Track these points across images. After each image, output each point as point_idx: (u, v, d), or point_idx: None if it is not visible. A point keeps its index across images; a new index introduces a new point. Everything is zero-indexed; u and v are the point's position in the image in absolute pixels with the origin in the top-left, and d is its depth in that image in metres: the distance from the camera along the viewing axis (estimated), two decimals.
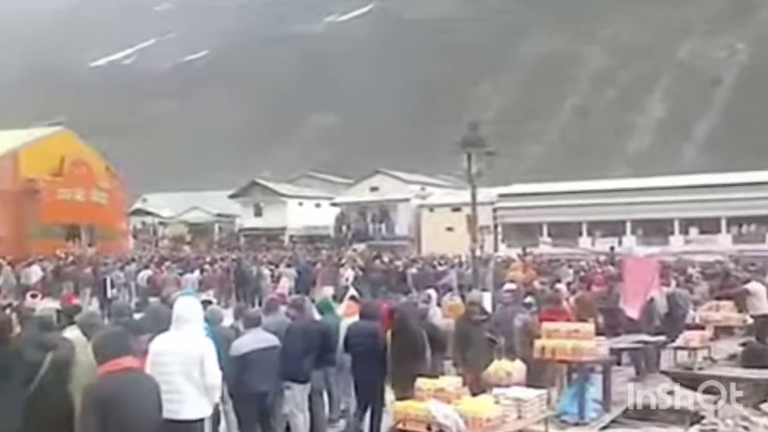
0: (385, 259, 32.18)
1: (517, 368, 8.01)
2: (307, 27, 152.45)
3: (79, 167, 46.33)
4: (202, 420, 6.08)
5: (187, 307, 6.25)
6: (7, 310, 9.57)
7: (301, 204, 68.68)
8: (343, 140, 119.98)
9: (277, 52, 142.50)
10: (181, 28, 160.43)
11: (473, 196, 11.04)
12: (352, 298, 9.87)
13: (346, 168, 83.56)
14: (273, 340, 7.76)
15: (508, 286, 12.06)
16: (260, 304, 19.34)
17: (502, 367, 8.03)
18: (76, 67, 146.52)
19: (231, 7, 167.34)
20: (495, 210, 53.26)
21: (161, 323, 7.08)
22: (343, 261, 30.51)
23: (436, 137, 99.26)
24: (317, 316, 9.10)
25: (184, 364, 5.92)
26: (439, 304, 12.31)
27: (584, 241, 51.49)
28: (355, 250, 47.60)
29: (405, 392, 7.06)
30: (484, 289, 10.57)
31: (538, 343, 8.81)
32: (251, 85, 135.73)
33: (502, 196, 53.83)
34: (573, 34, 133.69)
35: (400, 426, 6.43)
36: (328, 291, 12.98)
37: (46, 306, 8.72)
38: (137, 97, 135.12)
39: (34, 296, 12.47)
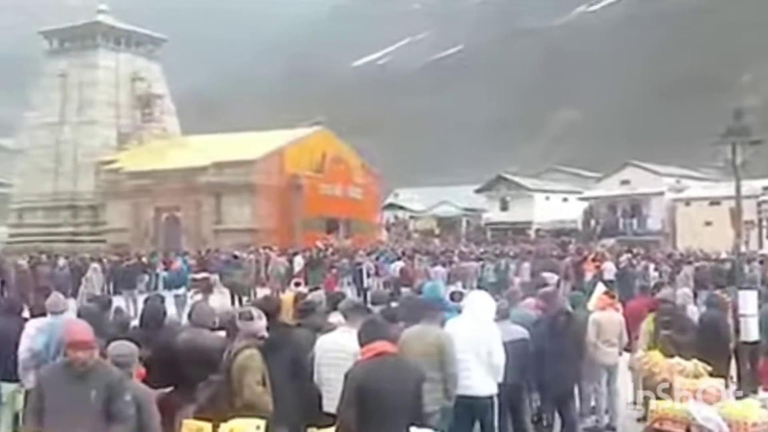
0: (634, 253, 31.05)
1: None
2: (557, 19, 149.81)
3: (338, 164, 48.87)
4: (491, 397, 6.73)
5: (478, 298, 7.06)
6: (275, 294, 10.54)
7: (547, 198, 67.88)
8: (591, 133, 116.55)
9: (525, 47, 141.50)
10: (433, 27, 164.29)
11: (737, 188, 10.29)
12: (606, 292, 9.64)
13: (594, 161, 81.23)
14: (522, 333, 7.77)
15: None
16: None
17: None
18: (335, 69, 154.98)
19: (480, 3, 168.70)
20: (760, 204, 49.30)
21: (414, 312, 7.44)
22: (592, 256, 29.76)
23: (691, 128, 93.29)
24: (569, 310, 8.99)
25: (475, 345, 6.60)
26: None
27: None
28: (603, 245, 46.20)
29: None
30: (749, 288, 9.83)
31: None
32: (499, 81, 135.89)
33: None
34: None
35: (656, 426, 6.23)
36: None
37: (316, 293, 9.39)
38: (391, 95, 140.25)
39: (297, 284, 13.43)
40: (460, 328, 6.77)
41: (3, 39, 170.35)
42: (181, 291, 19.21)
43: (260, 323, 6.09)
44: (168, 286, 21.00)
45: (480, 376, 6.62)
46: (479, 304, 6.94)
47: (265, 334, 6.14)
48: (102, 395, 4.95)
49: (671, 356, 7.07)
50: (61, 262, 27.55)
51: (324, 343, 6.29)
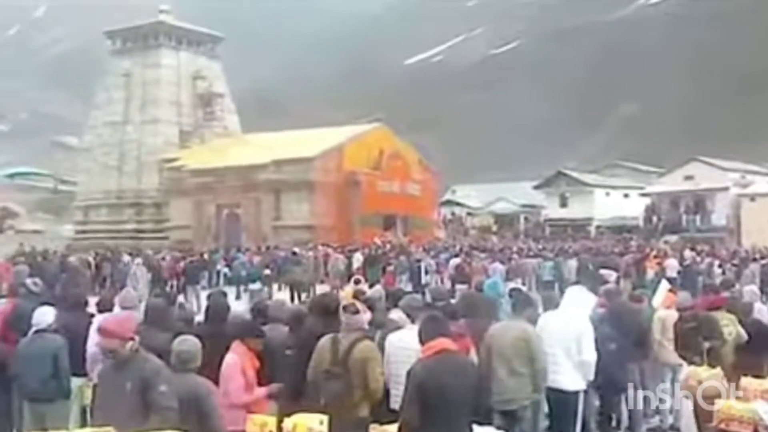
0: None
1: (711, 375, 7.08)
2: (615, 13, 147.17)
3: (396, 161, 48.81)
4: (577, 392, 6.77)
5: (574, 293, 7.20)
6: (335, 291, 10.62)
7: (608, 194, 66.89)
8: (652, 128, 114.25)
9: (583, 41, 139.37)
10: (489, 22, 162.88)
11: None
12: (670, 289, 9.47)
13: (655, 157, 79.55)
14: None
15: None
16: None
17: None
18: (392, 65, 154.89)
19: None
20: None
21: (473, 308, 7.44)
22: (654, 253, 29.25)
23: (756, 123, 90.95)
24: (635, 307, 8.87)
25: (563, 340, 6.68)
26: None
27: None
28: (666, 242, 45.36)
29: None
30: None
31: None
32: (556, 76, 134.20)
33: None
34: None
35: (722, 426, 6.12)
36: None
37: (375, 289, 9.43)
38: (447, 92, 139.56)
39: (357, 281, 13.47)
40: (551, 322, 6.89)
41: (68, 39, 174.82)
42: (257, 286, 19.89)
43: (365, 316, 6.18)
44: (241, 281, 21.73)
45: (568, 370, 6.71)
46: (574, 299, 7.04)
47: (366, 326, 6.22)
48: (137, 386, 5.05)
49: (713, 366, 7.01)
50: (125, 258, 28.21)
51: (393, 341, 6.34)
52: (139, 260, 26.10)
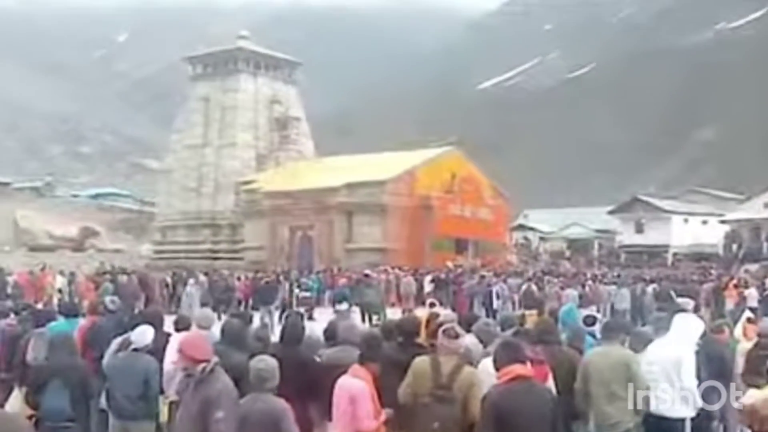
0: None
1: None
2: (694, 37, 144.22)
3: (468, 185, 48.60)
4: (682, 420, 6.72)
5: (681, 321, 7.15)
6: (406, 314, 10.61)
7: (686, 221, 65.27)
8: (732, 154, 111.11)
9: (660, 65, 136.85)
10: (564, 47, 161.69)
11: None
12: (749, 320, 9.17)
13: (736, 183, 77.49)
14: None
15: None
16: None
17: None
18: (466, 90, 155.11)
19: (614, 22, 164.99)
20: None
21: (549, 334, 7.33)
22: (734, 282, 28.32)
23: None
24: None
25: (664, 366, 6.69)
26: None
27: None
28: (747, 270, 43.88)
29: None
30: None
31: None
32: (633, 100, 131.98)
33: None
34: None
35: None
36: None
37: (448, 313, 9.40)
38: (521, 115, 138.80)
39: (432, 304, 13.42)
40: (655, 348, 6.91)
41: (150, 64, 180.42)
42: (344, 306, 20.20)
43: (463, 341, 6.13)
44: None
45: (670, 398, 6.67)
46: (679, 325, 7.00)
47: (462, 351, 6.17)
48: (201, 408, 5.08)
49: None
50: (201, 278, 28.70)
51: (485, 366, 6.27)
52: (192, 280, 26.45)
